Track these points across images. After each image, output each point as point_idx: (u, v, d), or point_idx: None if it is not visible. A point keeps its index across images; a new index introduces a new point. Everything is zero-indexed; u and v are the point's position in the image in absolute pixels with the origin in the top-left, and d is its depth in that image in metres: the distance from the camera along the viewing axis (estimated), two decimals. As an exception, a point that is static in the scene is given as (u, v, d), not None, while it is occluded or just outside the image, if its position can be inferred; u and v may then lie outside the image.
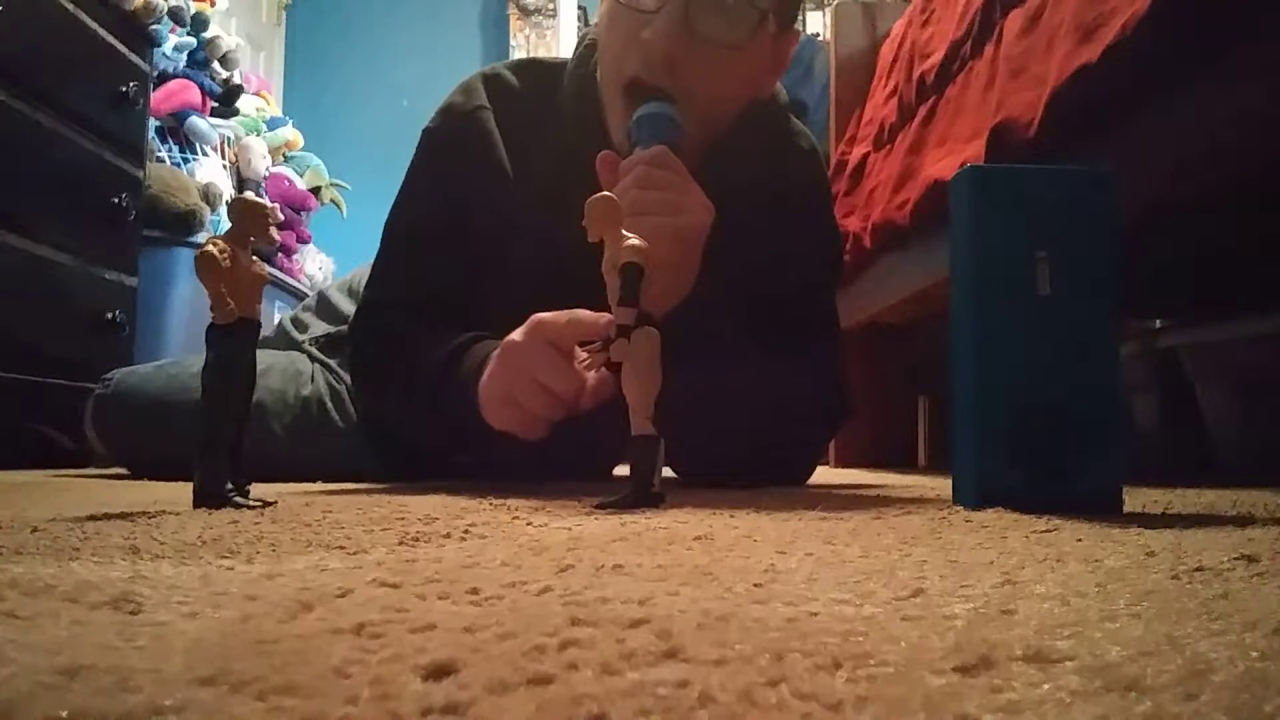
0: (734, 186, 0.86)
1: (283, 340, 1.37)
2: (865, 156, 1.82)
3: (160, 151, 2.39)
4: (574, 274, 0.72)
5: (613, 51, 0.87)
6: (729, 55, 0.84)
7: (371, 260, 1.02)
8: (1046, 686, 0.18)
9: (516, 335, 0.76)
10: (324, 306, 1.37)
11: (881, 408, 2.05)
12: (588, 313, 0.73)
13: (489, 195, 0.94)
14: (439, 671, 0.19)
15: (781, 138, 1.01)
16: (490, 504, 0.64)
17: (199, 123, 2.48)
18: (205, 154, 2.51)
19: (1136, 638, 0.22)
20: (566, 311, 0.74)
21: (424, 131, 0.98)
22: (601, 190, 0.69)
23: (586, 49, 0.96)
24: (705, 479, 0.89)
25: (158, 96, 2.28)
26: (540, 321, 0.75)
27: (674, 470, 0.96)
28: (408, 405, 0.91)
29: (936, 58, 1.44)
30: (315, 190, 3.04)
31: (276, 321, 1.47)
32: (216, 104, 2.62)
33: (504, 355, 0.77)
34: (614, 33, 0.87)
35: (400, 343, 0.92)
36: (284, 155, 3.00)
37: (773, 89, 0.98)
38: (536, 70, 1.00)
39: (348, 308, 1.28)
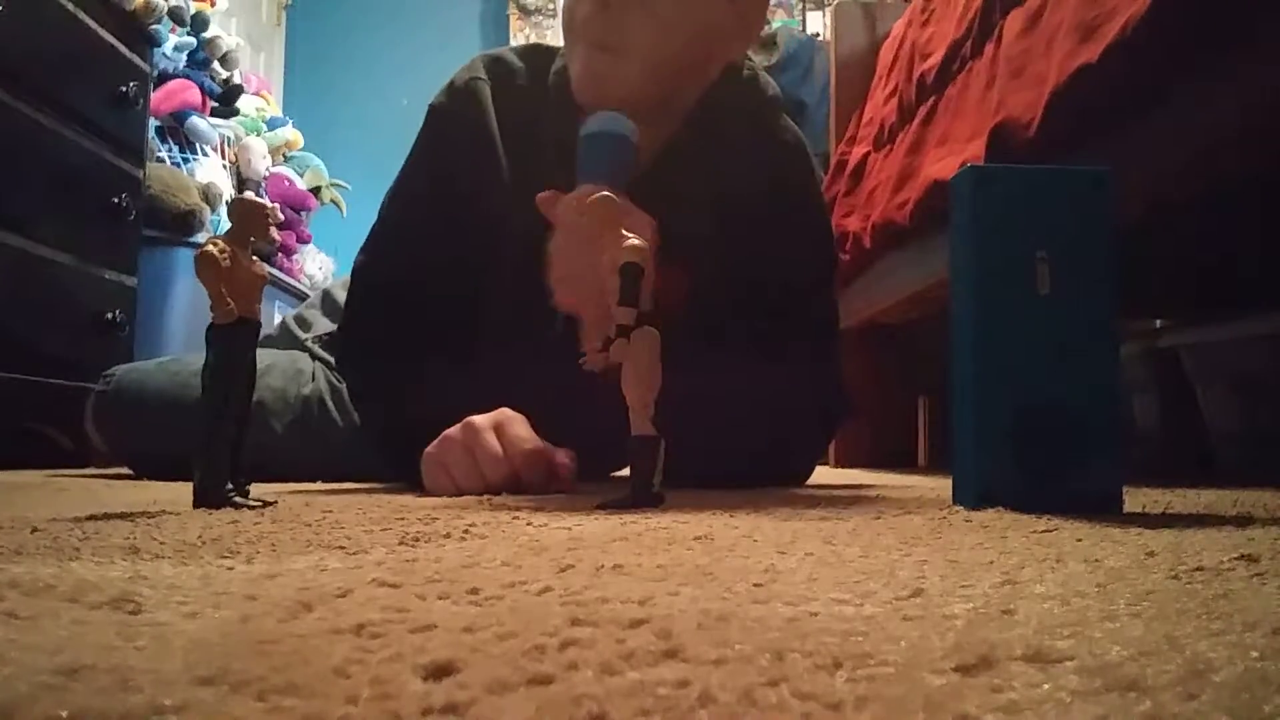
0: (715, 179, 0.86)
1: (286, 338, 1.37)
2: (865, 156, 1.82)
3: (160, 151, 2.39)
4: None
5: (565, 14, 0.88)
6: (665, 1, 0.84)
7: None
8: (1046, 686, 0.18)
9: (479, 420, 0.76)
10: (329, 304, 1.37)
11: (881, 408, 2.04)
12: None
13: (480, 166, 0.94)
14: (439, 671, 0.19)
15: (765, 130, 0.99)
16: (490, 504, 0.64)
17: (199, 123, 2.48)
18: (205, 154, 2.51)
19: (1136, 638, 0.22)
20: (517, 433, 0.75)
21: (429, 107, 0.99)
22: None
23: None
24: (704, 482, 0.89)
25: (158, 96, 2.28)
26: (475, 427, 0.75)
27: (673, 474, 0.96)
28: (388, 429, 0.92)
29: (936, 58, 1.44)
30: (315, 190, 3.04)
31: (278, 321, 1.47)
32: (216, 104, 2.62)
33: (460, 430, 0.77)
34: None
35: (388, 365, 0.92)
36: (284, 155, 3.00)
37: (740, 53, 0.96)
38: (539, 54, 1.01)
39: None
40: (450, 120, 0.97)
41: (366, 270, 0.98)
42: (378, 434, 0.94)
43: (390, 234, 0.98)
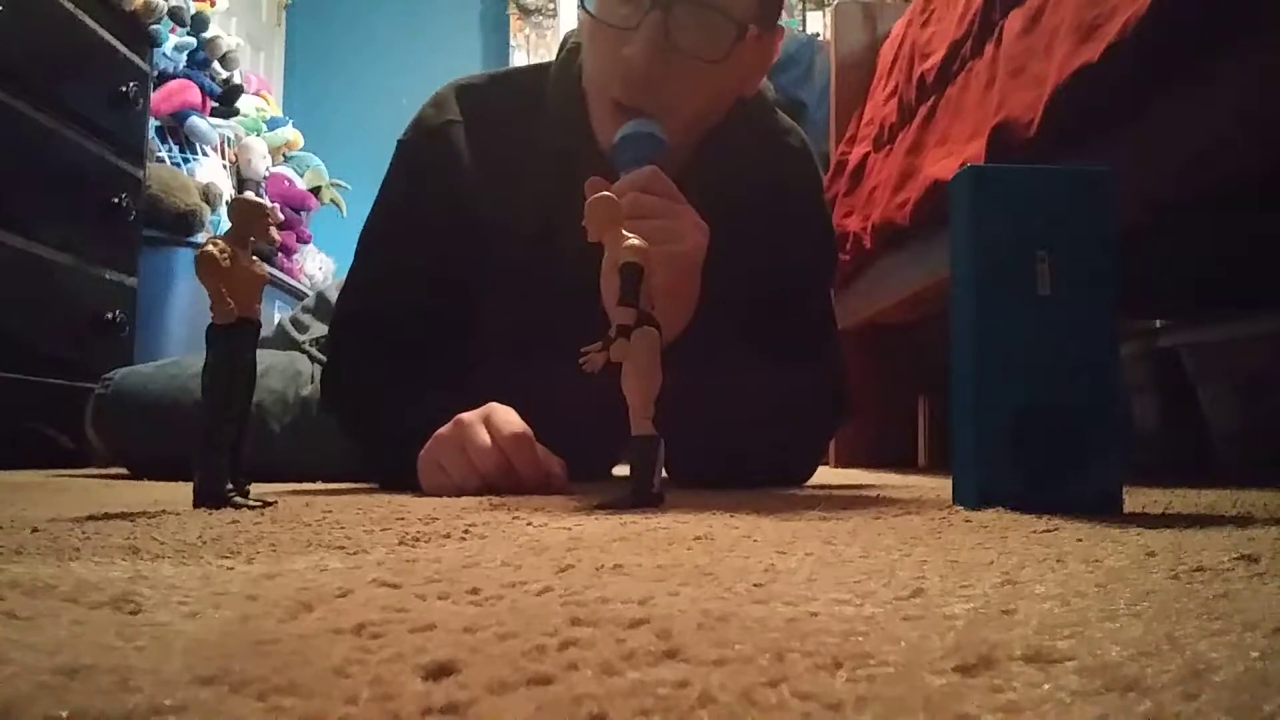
0: (725, 189, 0.86)
1: (282, 341, 1.37)
2: (865, 156, 1.82)
3: (160, 151, 2.39)
4: (572, 276, 0.72)
5: (595, 68, 0.87)
6: (711, 68, 0.83)
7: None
8: (1046, 686, 0.18)
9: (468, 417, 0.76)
10: (323, 307, 1.37)
11: (881, 408, 2.04)
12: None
13: (453, 211, 0.92)
14: (439, 671, 0.19)
15: (770, 136, 0.99)
16: (490, 504, 0.64)
17: (199, 123, 2.48)
18: (205, 154, 2.51)
19: (1136, 638, 0.22)
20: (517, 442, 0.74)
21: (398, 143, 0.97)
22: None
23: (570, 53, 0.95)
24: (704, 481, 0.89)
25: (158, 96, 2.28)
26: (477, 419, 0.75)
27: (672, 474, 0.96)
28: (376, 448, 0.92)
29: (936, 58, 1.44)
30: (315, 190, 3.04)
31: (276, 322, 1.47)
32: (216, 104, 2.62)
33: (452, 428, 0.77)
34: (595, 49, 0.86)
35: (371, 389, 0.91)
36: (284, 155, 3.00)
37: (758, 86, 0.97)
38: (513, 80, 0.99)
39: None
40: (418, 161, 0.95)
41: (348, 322, 0.96)
42: (376, 458, 0.93)
43: (370, 279, 0.96)
